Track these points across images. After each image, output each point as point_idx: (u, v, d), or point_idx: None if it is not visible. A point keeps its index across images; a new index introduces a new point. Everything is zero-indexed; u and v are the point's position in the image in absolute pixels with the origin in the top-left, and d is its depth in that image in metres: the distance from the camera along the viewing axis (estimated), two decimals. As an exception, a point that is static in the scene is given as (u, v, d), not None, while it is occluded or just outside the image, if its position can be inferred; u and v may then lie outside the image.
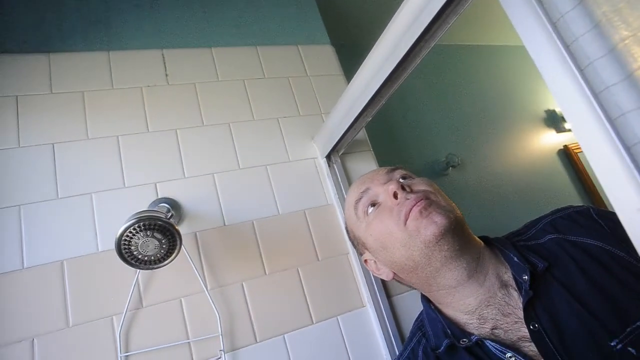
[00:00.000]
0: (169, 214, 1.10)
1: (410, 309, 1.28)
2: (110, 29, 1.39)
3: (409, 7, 0.84)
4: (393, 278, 0.88)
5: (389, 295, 1.28)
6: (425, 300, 0.87)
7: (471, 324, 0.75)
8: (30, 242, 1.06)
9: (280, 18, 1.63)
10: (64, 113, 1.21)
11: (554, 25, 0.57)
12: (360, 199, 0.88)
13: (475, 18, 2.59)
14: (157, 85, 1.33)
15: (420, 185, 0.84)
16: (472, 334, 0.73)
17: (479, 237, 0.85)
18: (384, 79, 0.99)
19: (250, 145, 1.34)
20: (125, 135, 1.23)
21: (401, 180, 0.86)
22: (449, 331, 0.77)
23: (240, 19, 1.57)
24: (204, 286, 1.12)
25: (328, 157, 1.37)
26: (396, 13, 0.89)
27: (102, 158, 1.19)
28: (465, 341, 0.73)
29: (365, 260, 0.93)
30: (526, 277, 0.71)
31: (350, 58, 1.74)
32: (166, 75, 1.36)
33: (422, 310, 0.91)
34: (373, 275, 1.27)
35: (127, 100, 1.28)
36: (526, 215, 0.98)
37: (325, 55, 1.62)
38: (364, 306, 1.26)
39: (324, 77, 1.56)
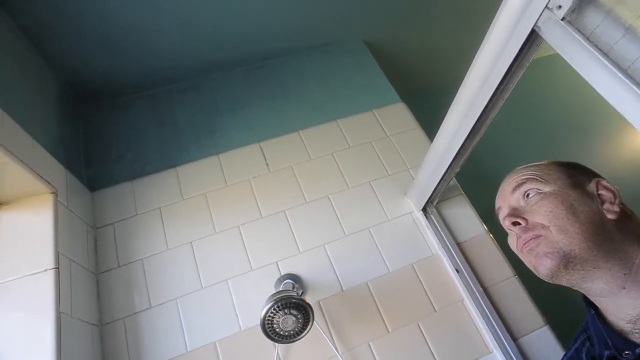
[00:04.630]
0: (299, 292, 1.24)
1: (542, 349, 1.25)
2: (215, 135, 1.65)
3: (478, 71, 0.93)
4: None
5: (514, 338, 1.26)
6: (587, 302, 0.80)
7: (637, 332, 0.68)
8: (189, 328, 1.26)
9: (352, 89, 1.81)
10: (194, 215, 1.45)
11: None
12: (498, 215, 0.92)
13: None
14: (261, 175, 1.54)
15: (537, 214, 0.79)
16: (638, 345, 0.67)
17: None
18: (466, 135, 1.07)
19: (350, 212, 1.47)
20: (244, 224, 1.43)
21: (522, 202, 0.84)
22: (609, 342, 0.71)
23: (318, 100, 1.76)
24: (335, 351, 1.22)
25: (424, 209, 1.44)
26: (466, 77, 0.98)
27: (230, 247, 1.39)
28: (628, 354, 0.67)
29: None
30: None
31: (416, 102, 1.86)
32: (267, 164, 1.56)
33: None
34: (493, 319, 1.27)
35: (240, 193, 1.50)
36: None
37: (399, 112, 1.74)
38: (490, 352, 1.26)
39: (403, 134, 1.67)
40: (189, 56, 1.71)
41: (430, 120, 1.77)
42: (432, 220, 1.43)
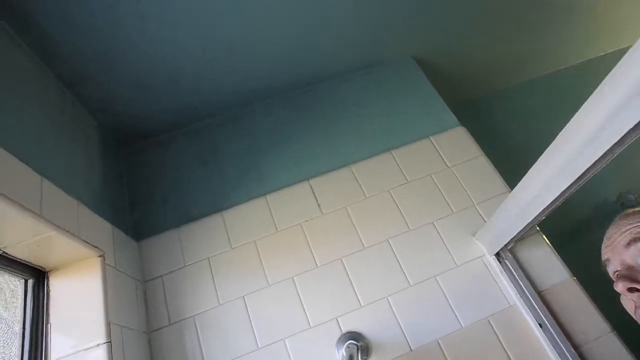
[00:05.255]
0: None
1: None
2: (261, 172, 1.55)
3: (586, 124, 0.78)
4: None
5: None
6: None
7: None
8: (247, 397, 1.16)
9: (405, 114, 1.66)
10: (245, 265, 1.35)
11: None
12: (605, 267, 0.78)
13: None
14: (313, 218, 1.42)
15: None
16: None
17: None
18: (561, 191, 0.91)
19: (413, 258, 1.33)
20: (299, 276, 1.32)
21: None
22: None
23: (368, 128, 1.63)
24: None
25: (497, 254, 1.29)
26: (566, 128, 0.83)
27: (285, 302, 1.29)
28: None
29: None
30: None
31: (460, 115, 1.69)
32: (318, 205, 1.45)
33: None
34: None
35: (292, 239, 1.39)
36: None
37: (459, 138, 1.58)
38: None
39: (465, 164, 1.51)
40: (226, 87, 1.62)
41: (476, 131, 1.62)
42: (507, 266, 1.28)
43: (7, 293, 1.14)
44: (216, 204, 1.49)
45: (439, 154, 1.54)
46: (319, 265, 1.34)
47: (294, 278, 1.32)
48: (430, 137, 1.58)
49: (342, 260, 1.34)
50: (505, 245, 1.26)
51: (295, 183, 1.50)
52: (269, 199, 1.48)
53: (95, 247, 1.14)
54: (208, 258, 1.37)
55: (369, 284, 1.30)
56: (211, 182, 1.55)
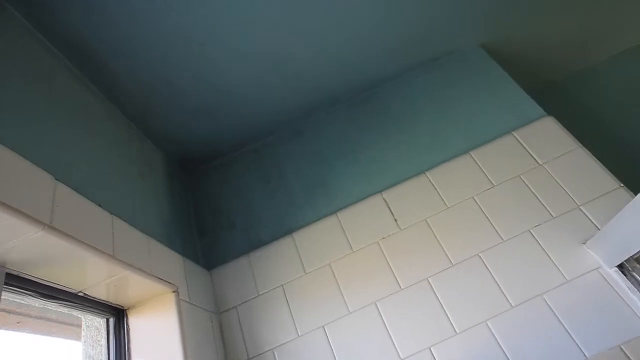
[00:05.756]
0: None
1: None
2: (329, 188, 1.45)
3: None
4: None
5: None
6: None
7: None
8: None
9: (480, 109, 1.48)
10: (321, 291, 1.25)
11: None
12: None
13: None
14: (390, 235, 1.29)
15: None
16: None
17: None
18: None
19: (512, 274, 1.15)
20: (381, 300, 1.20)
21: None
22: None
23: (440, 128, 1.47)
24: None
25: (620, 265, 1.08)
26: None
27: (369, 330, 1.17)
28: None
29: None
30: None
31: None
32: (395, 220, 1.32)
33: None
34: None
35: (369, 259, 1.27)
36: None
37: (549, 130, 1.37)
38: None
39: (560, 159, 1.30)
40: (286, 101, 1.54)
41: (563, 120, 1.40)
42: (636, 279, 1.06)
43: (92, 331, 1.14)
44: (285, 226, 1.41)
45: (526, 150, 1.35)
46: (402, 287, 1.20)
47: (377, 303, 1.20)
48: (514, 133, 1.39)
49: (428, 280, 1.20)
50: (632, 256, 1.05)
51: (367, 197, 1.38)
52: (341, 216, 1.37)
53: (168, 282, 1.10)
54: (282, 285, 1.29)
55: (463, 307, 1.14)
56: (277, 202, 1.47)
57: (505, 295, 1.13)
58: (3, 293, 0.85)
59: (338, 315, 1.21)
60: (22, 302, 0.94)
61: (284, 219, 1.43)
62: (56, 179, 0.86)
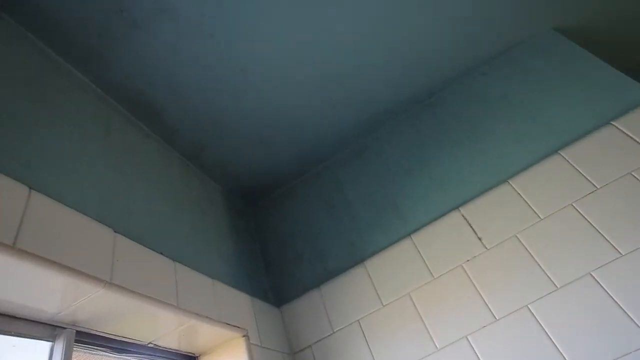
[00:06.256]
0: None
1: None
2: (399, 208, 1.32)
3: None
4: None
5: None
6: None
7: None
8: None
9: (566, 100, 1.27)
10: (403, 325, 1.12)
11: None
12: None
13: None
14: (475, 256, 1.13)
15: None
16: None
17: None
18: None
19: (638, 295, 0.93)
20: (473, 334, 1.04)
21: None
22: None
23: (520, 128, 1.28)
24: None
25: None
26: None
27: (463, 370, 1.01)
28: None
29: None
30: None
31: None
32: (479, 238, 1.15)
33: None
34: None
35: (454, 286, 1.12)
36: None
37: (661, 114, 1.13)
38: None
39: (684, 148, 1.06)
40: (343, 121, 1.46)
41: None
42: None
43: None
44: (355, 254, 1.31)
45: (634, 140, 1.12)
46: (497, 317, 1.03)
47: (468, 337, 1.04)
48: (614, 122, 1.17)
49: (528, 308, 1.01)
50: None
51: (442, 215, 1.24)
52: (415, 239, 1.24)
53: (237, 327, 1.04)
54: (358, 320, 1.18)
55: (580, 340, 0.94)
56: (344, 228, 1.38)
57: (636, 325, 0.91)
58: (76, 352, 0.83)
59: (424, 353, 1.06)
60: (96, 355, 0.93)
61: (353, 246, 1.32)
62: (115, 231, 0.84)
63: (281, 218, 1.52)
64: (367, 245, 1.30)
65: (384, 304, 1.17)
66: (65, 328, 0.79)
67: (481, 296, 1.07)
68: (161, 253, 0.94)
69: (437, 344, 1.06)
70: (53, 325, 0.78)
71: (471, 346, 1.02)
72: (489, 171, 1.24)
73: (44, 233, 0.69)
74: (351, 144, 1.54)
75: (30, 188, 0.71)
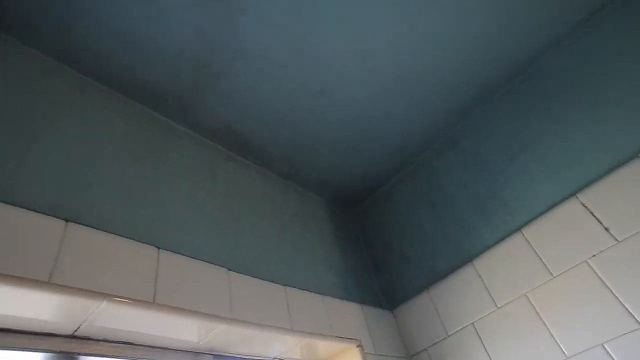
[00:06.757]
0: None
1: None
2: (506, 202, 1.21)
3: None
4: None
5: None
6: None
7: None
8: None
9: None
10: (521, 328, 1.05)
11: None
12: None
13: None
14: (603, 250, 0.99)
15: None
16: None
17: None
18: None
19: None
20: (612, 341, 0.91)
21: None
22: None
23: (630, 100, 1.06)
24: None
25: None
26: None
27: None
28: None
29: None
30: None
31: None
32: (605, 229, 0.99)
33: None
34: None
35: (579, 286, 1.00)
36: None
37: None
38: None
39: None
40: (431, 111, 1.38)
41: None
42: None
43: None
44: (461, 252, 1.26)
45: None
46: (639, 319, 0.90)
47: (605, 345, 0.92)
48: None
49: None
50: None
51: (557, 204, 1.10)
52: (526, 233, 1.13)
53: (350, 339, 1.11)
54: (472, 323, 1.15)
55: None
56: (447, 226, 1.33)
57: None
58: (216, 371, 1.00)
59: (549, 356, 0.98)
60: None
61: (459, 244, 1.27)
62: (229, 269, 0.96)
63: (383, 220, 1.54)
64: (473, 242, 1.24)
65: (499, 306, 1.11)
66: (205, 354, 0.95)
67: (614, 296, 0.94)
68: (272, 281, 1.04)
69: (566, 352, 0.97)
70: (195, 352, 0.94)
71: (609, 354, 0.91)
72: (610, 148, 1.05)
73: (176, 285, 0.83)
74: (445, 133, 1.45)
75: (159, 248, 0.86)
